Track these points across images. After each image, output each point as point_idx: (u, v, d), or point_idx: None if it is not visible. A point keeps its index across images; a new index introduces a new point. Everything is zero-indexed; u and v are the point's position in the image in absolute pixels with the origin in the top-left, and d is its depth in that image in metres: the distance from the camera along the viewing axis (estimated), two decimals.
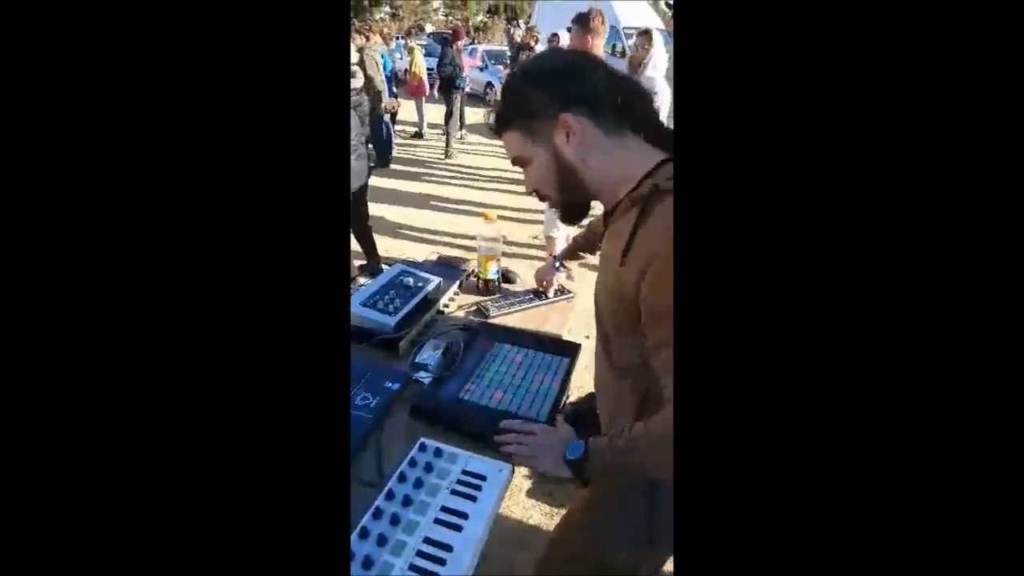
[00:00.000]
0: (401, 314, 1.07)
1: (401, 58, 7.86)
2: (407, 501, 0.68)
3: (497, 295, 1.30)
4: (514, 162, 0.72)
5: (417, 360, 1.00)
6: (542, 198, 0.74)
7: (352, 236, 2.72)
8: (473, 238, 3.54)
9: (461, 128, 6.13)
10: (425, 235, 3.64)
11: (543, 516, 1.52)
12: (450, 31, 5.91)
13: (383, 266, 2.65)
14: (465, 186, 4.80)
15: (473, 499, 0.70)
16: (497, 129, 0.72)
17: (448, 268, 1.36)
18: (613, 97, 0.66)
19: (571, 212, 0.75)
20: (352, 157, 2.42)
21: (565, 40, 3.43)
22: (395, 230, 3.62)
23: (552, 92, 0.65)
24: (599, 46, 2.00)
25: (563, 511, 1.52)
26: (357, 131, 2.43)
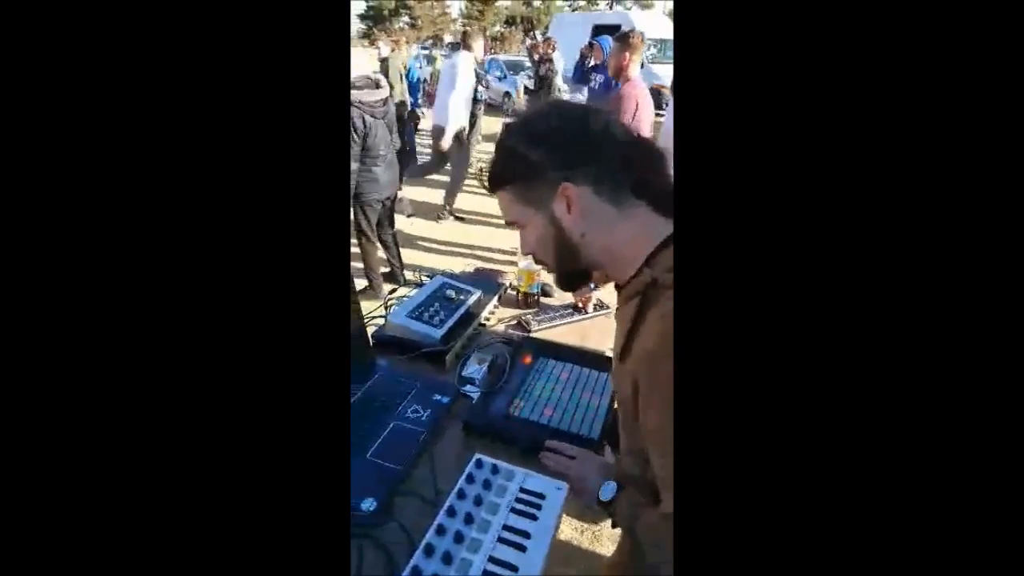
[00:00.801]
0: (447, 327, 1.08)
1: (420, 67, 7.96)
2: (469, 519, 0.68)
3: (536, 309, 1.30)
4: (508, 224, 0.66)
5: (464, 374, 1.00)
6: (538, 263, 0.68)
7: (380, 245, 2.75)
8: (494, 250, 3.56)
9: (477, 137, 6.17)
10: (444, 247, 3.67)
11: (573, 531, 1.51)
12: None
13: (405, 274, 2.69)
14: (485, 196, 4.82)
15: (534, 518, 0.69)
16: (490, 188, 0.64)
17: (486, 281, 1.37)
18: (623, 163, 0.58)
19: (569, 281, 0.69)
20: (382, 167, 2.45)
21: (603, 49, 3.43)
22: (414, 241, 3.65)
23: (553, 156, 0.57)
24: (636, 62, 2.07)
25: (595, 527, 1.52)
26: (386, 142, 2.45)
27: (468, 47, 3.49)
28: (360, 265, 2.71)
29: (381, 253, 2.77)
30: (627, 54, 2.04)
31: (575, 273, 0.67)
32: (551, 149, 0.58)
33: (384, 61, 4.61)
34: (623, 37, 2.09)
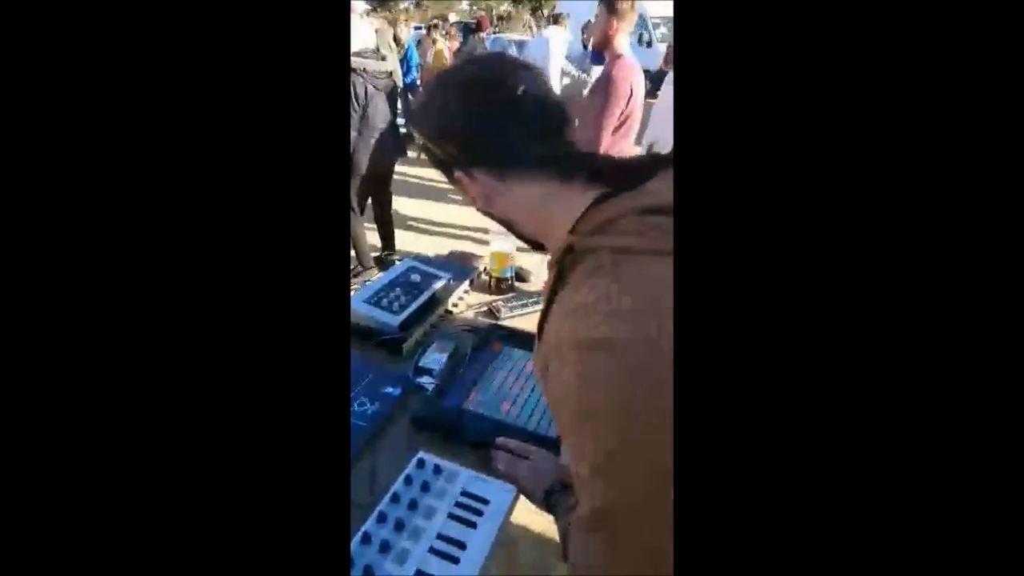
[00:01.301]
0: (406, 313, 1.01)
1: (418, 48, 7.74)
2: (399, 525, 0.62)
3: (510, 295, 1.23)
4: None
5: (421, 364, 0.94)
6: None
7: (376, 224, 2.69)
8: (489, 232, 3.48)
9: None
10: (442, 228, 3.59)
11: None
12: (475, 20, 5.81)
13: (395, 259, 2.63)
14: None
15: (473, 525, 0.63)
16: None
17: (459, 265, 1.29)
18: (524, 136, 0.51)
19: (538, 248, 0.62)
20: (377, 140, 2.37)
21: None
22: (407, 223, 3.58)
23: (443, 147, 0.54)
24: (625, 31, 1.85)
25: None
26: (385, 115, 2.37)
27: (558, 22, 3.35)
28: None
29: (374, 238, 2.71)
30: (614, 22, 1.80)
31: (534, 245, 0.60)
32: (441, 142, 0.53)
33: (378, 32, 4.48)
34: (610, 2, 1.81)
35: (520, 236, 0.60)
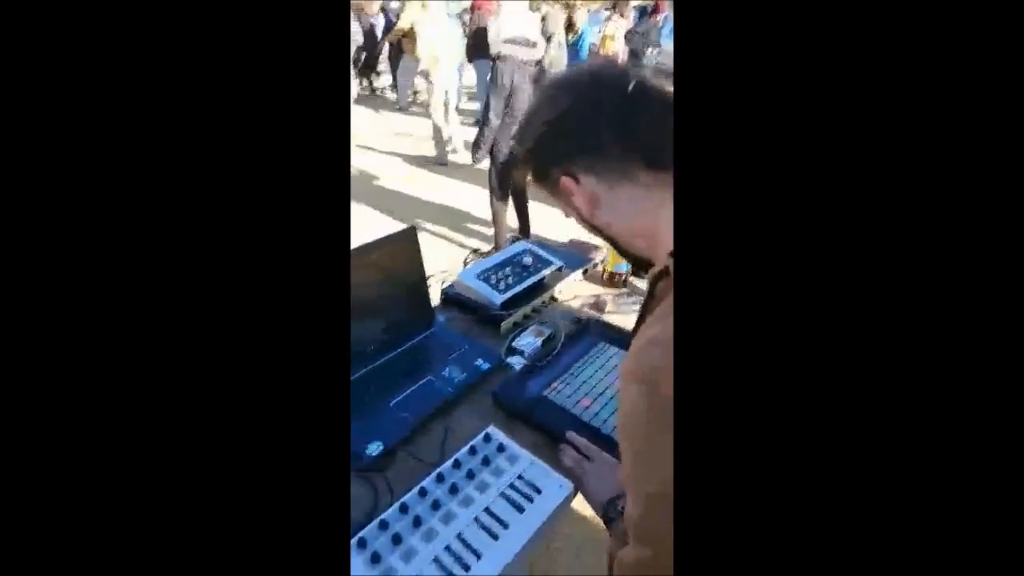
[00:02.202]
0: (510, 293, 1.04)
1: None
2: (454, 489, 0.65)
3: (622, 291, 1.18)
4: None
5: (514, 344, 0.96)
6: None
7: (515, 209, 2.79)
8: None
9: None
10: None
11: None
12: (653, 2, 5.52)
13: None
14: None
15: (520, 509, 0.64)
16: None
17: (576, 254, 1.28)
18: (634, 137, 0.47)
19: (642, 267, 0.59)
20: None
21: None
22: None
23: (550, 147, 0.51)
24: None
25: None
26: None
27: None
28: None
29: (512, 219, 2.82)
30: None
31: (639, 263, 0.57)
32: (544, 143, 0.51)
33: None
34: None
35: (624, 253, 0.57)
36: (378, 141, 4.92)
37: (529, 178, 0.58)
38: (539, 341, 0.97)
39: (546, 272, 1.12)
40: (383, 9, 6.56)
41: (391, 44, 5.62)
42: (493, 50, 2.45)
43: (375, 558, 0.57)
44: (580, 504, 0.69)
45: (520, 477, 0.68)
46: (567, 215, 0.56)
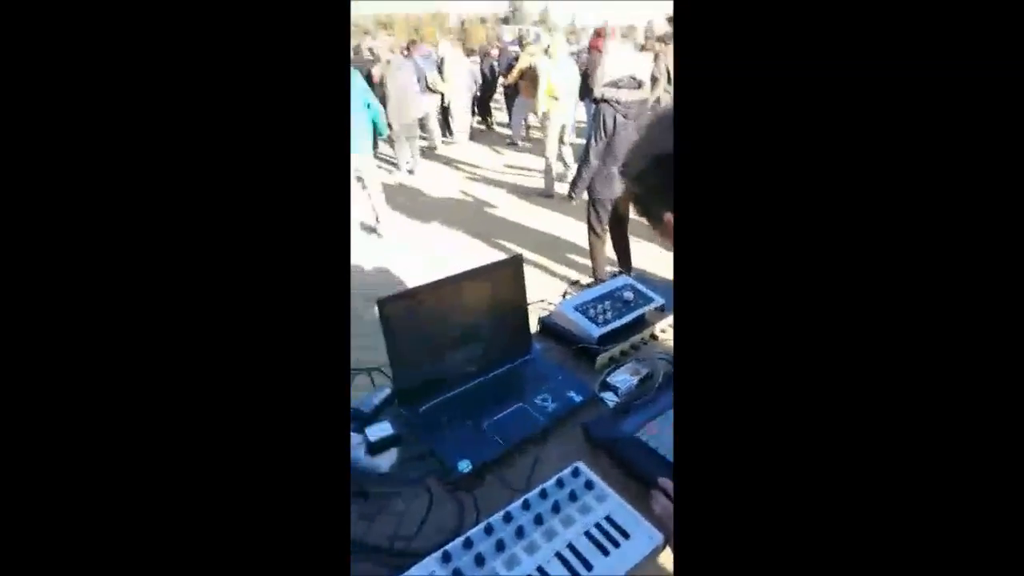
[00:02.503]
0: (608, 328, 1.02)
1: None
2: (538, 520, 0.65)
3: None
4: None
5: (608, 379, 0.94)
6: None
7: (613, 245, 2.76)
8: None
9: None
10: None
11: None
12: None
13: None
14: None
15: (606, 552, 0.61)
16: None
17: None
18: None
19: None
20: (618, 168, 2.43)
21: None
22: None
23: (653, 185, 0.54)
24: None
25: None
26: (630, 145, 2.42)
27: None
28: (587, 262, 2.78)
29: (610, 252, 2.78)
30: None
31: None
32: (651, 168, 0.54)
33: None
34: None
35: None
36: (491, 173, 5.20)
37: (633, 213, 0.59)
38: (635, 380, 0.94)
39: (646, 309, 1.09)
40: (501, 50, 7.02)
41: (509, 84, 5.96)
42: (596, 92, 2.49)
43: (457, 574, 0.58)
44: (668, 559, 0.65)
45: (608, 518, 0.65)
46: (671, 251, 0.55)
